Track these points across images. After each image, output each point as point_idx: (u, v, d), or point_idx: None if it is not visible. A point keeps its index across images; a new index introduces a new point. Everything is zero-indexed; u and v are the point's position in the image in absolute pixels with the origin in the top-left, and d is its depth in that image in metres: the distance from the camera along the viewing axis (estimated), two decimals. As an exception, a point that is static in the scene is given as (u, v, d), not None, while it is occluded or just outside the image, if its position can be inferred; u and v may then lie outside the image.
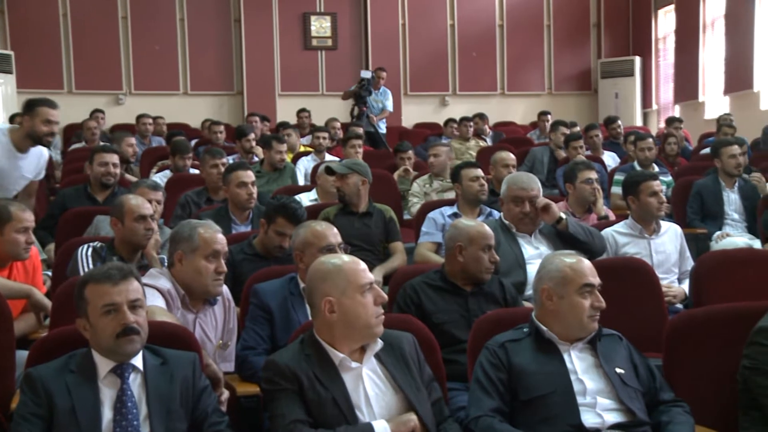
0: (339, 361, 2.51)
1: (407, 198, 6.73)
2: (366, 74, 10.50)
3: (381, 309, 2.55)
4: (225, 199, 5.02)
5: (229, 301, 3.38)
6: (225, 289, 3.34)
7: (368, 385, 2.52)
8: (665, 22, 13.51)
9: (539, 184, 4.35)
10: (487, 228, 3.54)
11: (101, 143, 7.79)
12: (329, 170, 5.12)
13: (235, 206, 4.88)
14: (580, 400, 2.59)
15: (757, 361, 2.69)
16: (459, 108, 12.36)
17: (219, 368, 2.88)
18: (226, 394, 2.75)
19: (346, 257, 2.66)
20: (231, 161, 6.56)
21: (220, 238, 3.23)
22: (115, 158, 5.60)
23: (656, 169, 7.07)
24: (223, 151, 5.95)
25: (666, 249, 4.48)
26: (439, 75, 13.19)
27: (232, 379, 3.16)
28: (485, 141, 10.17)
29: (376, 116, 10.44)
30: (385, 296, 2.57)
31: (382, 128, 10.62)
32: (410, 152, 7.60)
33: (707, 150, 8.89)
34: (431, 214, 4.97)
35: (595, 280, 2.75)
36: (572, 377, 2.64)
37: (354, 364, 2.53)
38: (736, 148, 6.03)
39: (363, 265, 2.60)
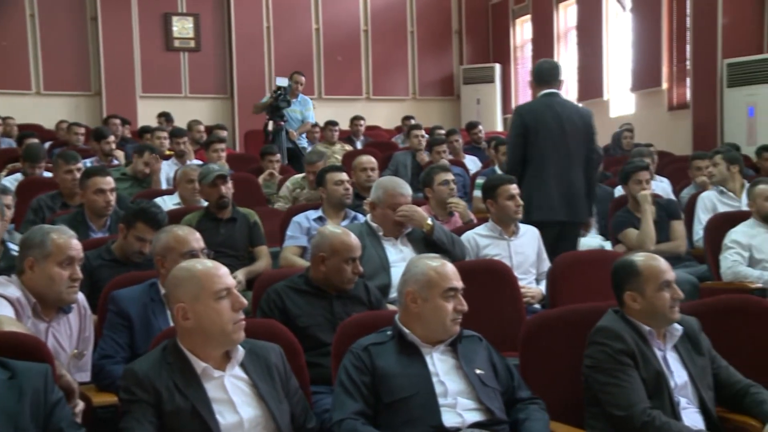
0: (201, 370, 2.47)
1: (273, 202, 6.67)
2: (282, 82, 9.04)
3: (240, 315, 2.50)
4: (81, 204, 4.82)
5: (85, 309, 3.26)
6: (80, 296, 3.21)
7: (232, 394, 2.48)
8: (522, 31, 14.00)
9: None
10: (352, 239, 3.51)
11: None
12: (223, 177, 4.96)
13: (92, 212, 4.69)
14: (441, 401, 2.64)
15: (596, 359, 2.82)
16: (324, 111, 12.34)
17: (74, 379, 2.76)
18: (81, 406, 2.64)
19: (207, 262, 2.60)
20: (89, 164, 6.34)
21: (75, 243, 3.10)
22: None
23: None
24: (78, 156, 5.68)
25: (525, 250, 4.62)
26: (305, 78, 13.16)
27: (89, 389, 3.05)
28: (351, 145, 10.24)
29: (296, 130, 9.37)
30: (244, 301, 2.52)
31: (304, 143, 9.56)
32: (277, 156, 7.55)
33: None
34: (296, 218, 4.94)
35: (459, 283, 2.80)
36: (434, 379, 2.69)
37: (217, 373, 2.48)
38: None
39: (222, 270, 2.54)
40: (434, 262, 2.85)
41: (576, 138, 4.89)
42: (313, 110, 9.72)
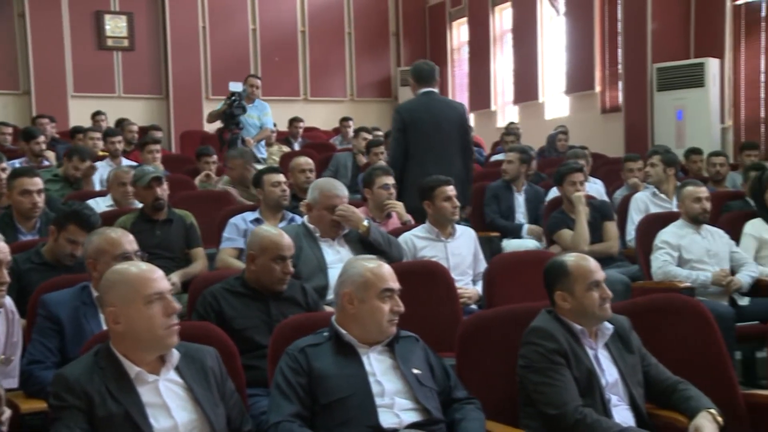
0: (135, 374, 2.42)
1: (209, 203, 6.60)
2: (236, 87, 8.37)
3: (172, 319, 2.46)
4: (9, 205, 4.70)
5: (13, 313, 3.17)
6: (8, 300, 3.12)
7: (167, 398, 2.44)
8: (459, 33, 14.12)
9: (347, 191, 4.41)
10: (283, 239, 3.48)
11: None
12: (158, 179, 4.90)
13: (19, 214, 4.57)
14: (378, 401, 2.64)
15: (529, 359, 2.86)
16: (262, 113, 12.33)
17: (0, 385, 2.68)
18: (7, 413, 2.56)
19: (142, 265, 2.56)
20: (18, 165, 6.19)
21: (2, 246, 3.02)
22: None
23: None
24: (3, 156, 5.51)
25: (461, 252, 4.67)
26: (241, 79, 13.03)
27: (16, 396, 2.98)
28: (289, 146, 10.18)
29: (254, 138, 8.61)
30: (177, 306, 2.48)
31: (262, 152, 8.82)
32: (214, 156, 7.48)
33: (498, 156, 9.43)
34: (233, 220, 4.91)
35: (395, 285, 2.80)
36: (371, 379, 2.69)
37: (151, 377, 2.44)
38: (512, 155, 6.55)
39: (156, 274, 2.50)
40: (371, 263, 2.85)
41: (451, 130, 5.52)
42: (271, 115, 9.15)
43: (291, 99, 13.28)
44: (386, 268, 2.84)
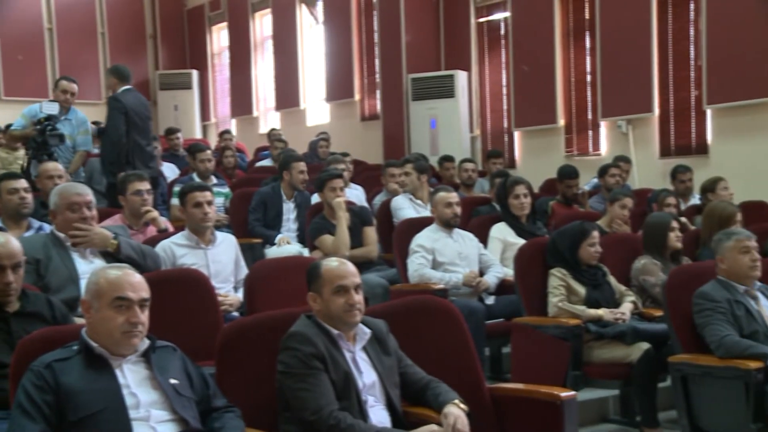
0: None
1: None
2: (51, 108, 6.50)
3: None
4: None
5: None
6: None
7: None
8: (219, 38, 13.97)
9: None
10: (9, 247, 3.18)
11: None
12: None
13: None
14: (132, 414, 2.54)
15: (287, 364, 2.86)
16: (5, 114, 11.44)
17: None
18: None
19: None
20: None
21: None
22: None
23: (214, 180, 7.27)
24: None
25: (222, 259, 4.61)
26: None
27: None
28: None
29: (69, 168, 6.64)
30: None
31: (81, 176, 7.03)
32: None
33: (263, 162, 9.44)
34: (-29, 230, 4.52)
35: (134, 294, 2.65)
36: (124, 392, 2.57)
37: None
38: (303, 165, 6.47)
39: None
40: (113, 271, 2.71)
41: (148, 119, 6.97)
42: (90, 131, 7.35)
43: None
44: (127, 277, 2.69)
